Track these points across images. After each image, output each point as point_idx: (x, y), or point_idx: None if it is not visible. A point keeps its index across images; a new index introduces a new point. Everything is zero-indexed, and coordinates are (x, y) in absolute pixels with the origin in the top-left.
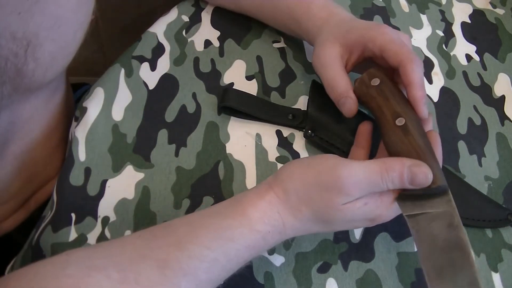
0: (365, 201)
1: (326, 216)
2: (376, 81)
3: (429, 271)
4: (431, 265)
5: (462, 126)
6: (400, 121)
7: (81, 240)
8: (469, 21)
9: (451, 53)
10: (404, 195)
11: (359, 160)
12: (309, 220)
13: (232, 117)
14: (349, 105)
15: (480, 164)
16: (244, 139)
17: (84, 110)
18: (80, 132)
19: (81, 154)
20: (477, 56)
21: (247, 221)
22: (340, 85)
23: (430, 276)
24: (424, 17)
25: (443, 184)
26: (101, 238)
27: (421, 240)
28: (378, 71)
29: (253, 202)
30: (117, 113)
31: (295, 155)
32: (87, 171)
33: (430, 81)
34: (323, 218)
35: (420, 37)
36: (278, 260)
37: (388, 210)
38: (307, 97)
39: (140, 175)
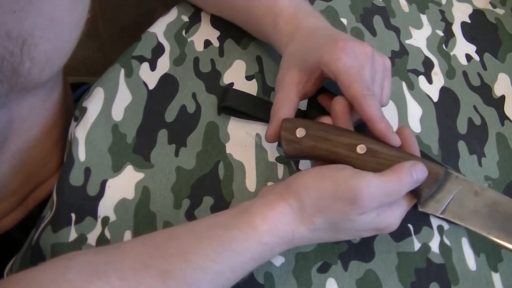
0: (378, 212)
1: (338, 225)
2: (301, 131)
3: (499, 237)
4: (495, 232)
5: (462, 126)
6: (361, 148)
7: (81, 241)
8: (469, 21)
9: (451, 53)
10: (424, 201)
11: (373, 173)
12: (321, 230)
13: (232, 117)
14: (267, 129)
15: (480, 164)
16: (244, 139)
17: (84, 110)
18: (80, 132)
19: (81, 154)
20: (477, 56)
21: (254, 233)
22: (273, 109)
23: (503, 239)
24: (424, 17)
25: (443, 170)
26: (101, 238)
27: (469, 222)
28: (291, 121)
29: (262, 213)
30: (117, 113)
31: None
32: (87, 171)
33: (430, 81)
34: (335, 227)
35: (420, 37)
36: (278, 260)
37: (397, 219)
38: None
39: (140, 175)
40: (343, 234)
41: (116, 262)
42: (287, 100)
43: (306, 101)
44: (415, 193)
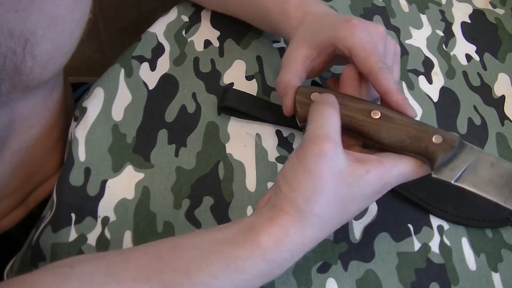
0: (367, 168)
1: (339, 201)
2: (316, 96)
3: None
4: None
5: (462, 126)
6: (375, 114)
7: (81, 241)
8: (469, 21)
9: (451, 53)
10: (438, 168)
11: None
12: (327, 220)
13: (232, 117)
14: (284, 101)
15: None
16: (244, 139)
17: (84, 110)
18: (80, 132)
19: (81, 154)
20: (477, 56)
21: (260, 251)
22: (284, 81)
23: None
24: (424, 17)
25: (458, 139)
26: (101, 238)
27: (485, 190)
28: (306, 87)
29: (265, 230)
30: (117, 113)
31: None
32: (87, 171)
33: (430, 81)
34: (337, 207)
35: (420, 37)
36: None
37: (393, 176)
38: None
39: (140, 175)
40: (349, 212)
41: (118, 273)
42: (296, 72)
43: None
44: (429, 159)
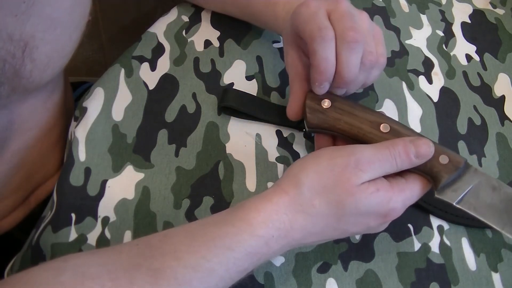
0: (377, 187)
1: (340, 206)
2: (327, 103)
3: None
4: (510, 228)
5: (462, 126)
6: (385, 128)
7: (81, 241)
8: (469, 21)
9: (451, 53)
10: (441, 188)
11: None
12: (322, 216)
13: (232, 117)
14: (289, 103)
15: (480, 164)
16: (244, 139)
17: (84, 110)
18: (80, 132)
19: (81, 154)
20: (477, 56)
21: (247, 227)
22: (291, 88)
23: None
24: (424, 17)
25: (464, 160)
26: (101, 238)
27: (484, 214)
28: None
29: (256, 206)
30: (117, 113)
31: (295, 155)
32: (87, 171)
33: (430, 81)
34: (337, 211)
35: (420, 37)
36: (278, 260)
37: (399, 202)
38: None
39: (140, 175)
40: (347, 222)
41: (109, 264)
42: (298, 76)
43: None
44: (433, 179)
